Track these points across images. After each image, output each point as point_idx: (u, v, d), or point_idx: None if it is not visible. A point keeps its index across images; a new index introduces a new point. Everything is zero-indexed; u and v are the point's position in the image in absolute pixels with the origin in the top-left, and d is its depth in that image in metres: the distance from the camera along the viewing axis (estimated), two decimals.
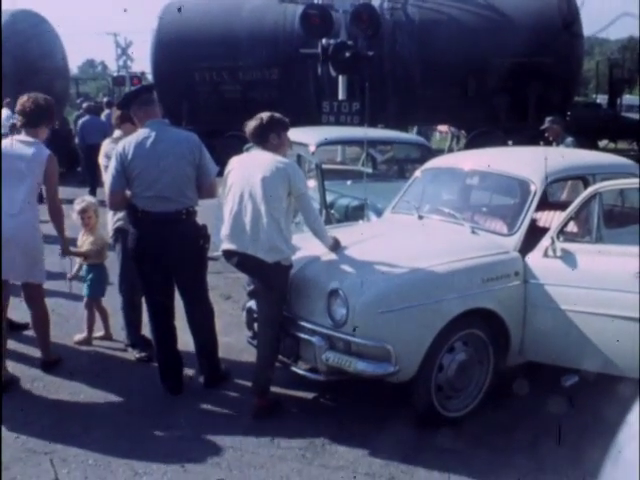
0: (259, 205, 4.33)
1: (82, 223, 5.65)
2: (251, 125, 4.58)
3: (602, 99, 23.87)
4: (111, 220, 5.33)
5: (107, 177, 4.69)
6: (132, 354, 5.43)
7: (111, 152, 4.85)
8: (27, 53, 18.95)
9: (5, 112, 10.66)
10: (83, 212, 5.63)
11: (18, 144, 4.91)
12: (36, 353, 5.28)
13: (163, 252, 4.62)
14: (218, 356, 5.01)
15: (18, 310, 5.17)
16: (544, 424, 4.39)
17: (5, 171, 4.75)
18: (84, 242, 5.62)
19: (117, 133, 5.37)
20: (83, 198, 5.82)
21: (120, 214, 5.17)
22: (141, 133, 4.65)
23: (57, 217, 4.97)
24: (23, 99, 5.02)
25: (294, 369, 4.53)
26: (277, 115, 4.65)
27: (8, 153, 4.83)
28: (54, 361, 5.21)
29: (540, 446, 4.17)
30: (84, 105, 15.24)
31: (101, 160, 5.24)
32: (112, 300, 5.72)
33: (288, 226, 4.43)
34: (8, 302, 5.10)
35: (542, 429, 4.35)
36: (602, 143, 19.39)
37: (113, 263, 5.65)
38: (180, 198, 4.61)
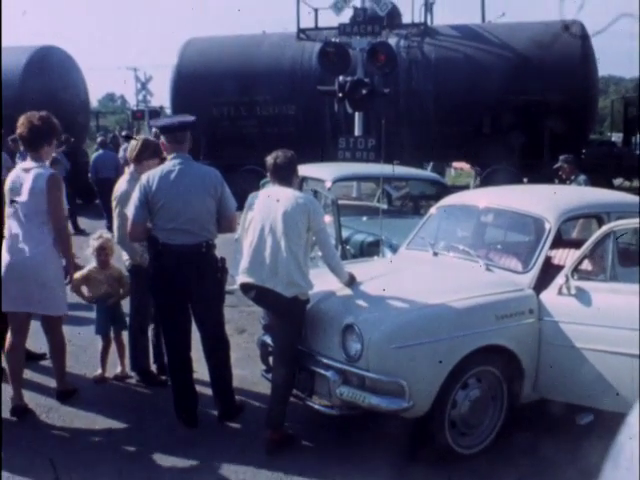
0: (279, 239, 4.39)
1: (98, 260, 5.60)
2: (277, 164, 4.63)
3: (617, 137, 23.92)
4: (125, 254, 5.42)
5: (129, 208, 4.77)
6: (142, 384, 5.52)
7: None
8: (51, 87, 19.33)
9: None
10: (101, 250, 5.57)
11: (22, 174, 4.86)
12: (52, 383, 5.32)
13: (181, 284, 4.68)
14: (233, 389, 5.03)
15: (35, 340, 5.22)
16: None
17: (19, 206, 4.77)
18: (100, 280, 5.59)
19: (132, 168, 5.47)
20: (100, 234, 5.73)
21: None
22: (165, 166, 4.74)
23: (61, 238, 4.86)
24: (18, 123, 4.90)
25: (308, 403, 4.54)
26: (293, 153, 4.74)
27: (15, 186, 4.82)
28: (70, 391, 5.21)
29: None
30: (98, 140, 15.47)
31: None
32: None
33: (306, 261, 4.49)
34: (27, 333, 5.10)
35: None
36: (617, 181, 19.37)
37: None
38: (201, 231, 4.68)
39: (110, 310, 5.63)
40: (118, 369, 5.70)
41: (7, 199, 4.85)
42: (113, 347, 5.76)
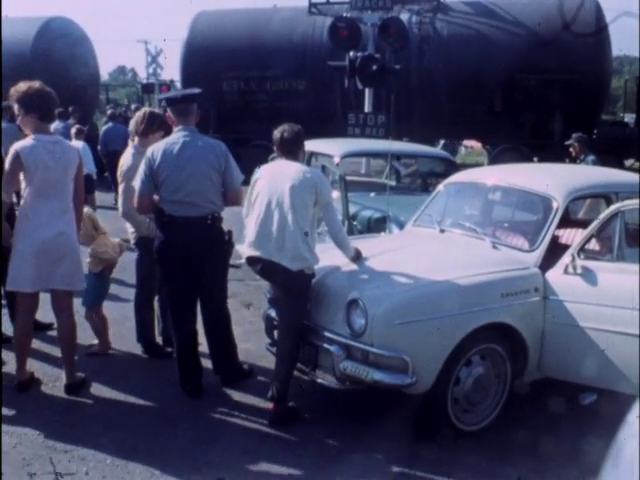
0: (286, 213, 4.39)
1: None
2: (284, 138, 4.62)
3: (630, 118, 23.67)
4: (130, 227, 5.45)
5: (136, 181, 4.78)
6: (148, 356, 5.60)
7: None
8: (61, 59, 19.30)
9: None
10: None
11: (47, 147, 4.65)
12: (59, 353, 5.35)
13: (187, 255, 4.71)
14: (237, 355, 5.12)
15: (43, 310, 5.24)
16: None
17: (50, 180, 4.64)
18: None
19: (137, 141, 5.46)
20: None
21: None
22: (170, 139, 4.76)
23: (80, 212, 4.93)
24: (28, 92, 4.65)
25: (312, 377, 4.57)
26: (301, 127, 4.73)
27: (42, 160, 4.58)
28: (78, 383, 4.97)
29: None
30: (108, 112, 15.57)
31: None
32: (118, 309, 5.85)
33: (313, 235, 4.49)
34: (35, 312, 5.09)
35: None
36: (628, 162, 19.22)
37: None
38: (205, 204, 4.69)
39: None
40: (95, 341, 5.72)
41: (30, 173, 4.59)
42: (113, 319, 5.81)
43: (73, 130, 11.11)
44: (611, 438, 2.14)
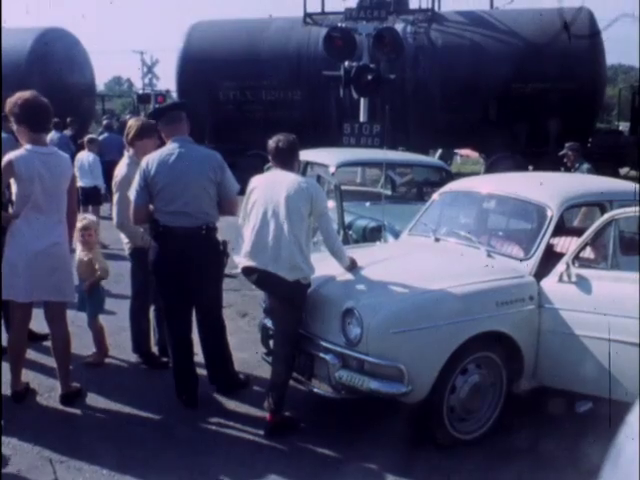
0: (282, 223, 4.40)
1: (81, 240, 5.57)
2: (279, 148, 4.63)
3: (624, 126, 23.77)
4: (125, 237, 5.45)
5: (131, 192, 4.79)
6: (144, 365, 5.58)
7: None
8: (57, 70, 19.35)
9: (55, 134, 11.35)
10: (84, 230, 5.52)
11: (40, 158, 4.62)
12: (54, 363, 5.34)
13: (182, 266, 4.71)
14: (232, 364, 5.12)
15: (38, 321, 5.24)
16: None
17: (45, 190, 4.60)
18: (81, 260, 5.56)
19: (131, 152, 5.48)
20: (84, 216, 5.75)
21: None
22: (165, 150, 4.77)
23: (74, 222, 5.02)
24: (15, 100, 4.63)
25: (308, 386, 4.57)
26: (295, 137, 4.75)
27: (36, 171, 4.57)
28: (74, 393, 4.96)
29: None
30: (104, 123, 15.64)
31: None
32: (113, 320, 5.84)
33: (308, 245, 4.50)
34: (30, 319, 5.05)
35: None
36: (623, 170, 19.28)
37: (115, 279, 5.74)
38: (200, 214, 4.70)
39: (83, 293, 5.59)
40: (92, 351, 5.71)
41: (23, 184, 4.58)
42: (109, 329, 5.80)
43: (86, 139, 11.15)
44: (610, 438, 2.14)
